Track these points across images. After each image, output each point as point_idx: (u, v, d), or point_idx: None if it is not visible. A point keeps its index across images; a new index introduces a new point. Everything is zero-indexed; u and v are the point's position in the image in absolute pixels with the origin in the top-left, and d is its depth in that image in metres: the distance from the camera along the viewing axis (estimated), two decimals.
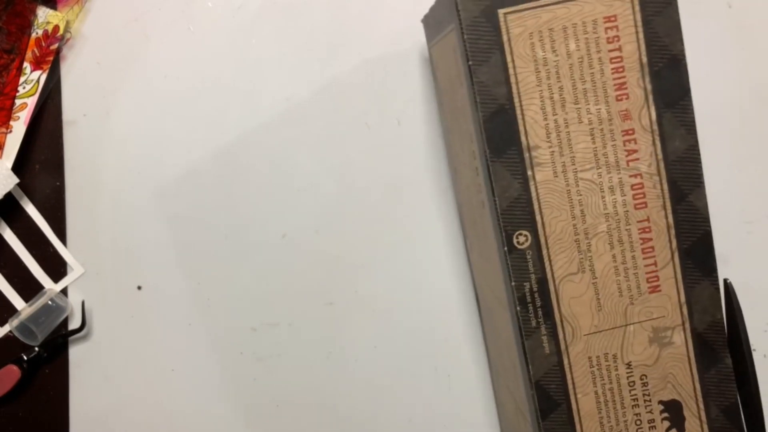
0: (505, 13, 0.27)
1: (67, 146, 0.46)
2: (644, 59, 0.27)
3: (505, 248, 0.28)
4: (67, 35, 0.46)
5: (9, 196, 0.45)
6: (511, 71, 0.28)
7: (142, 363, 0.46)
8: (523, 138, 0.28)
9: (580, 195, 0.28)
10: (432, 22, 0.37)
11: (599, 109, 0.28)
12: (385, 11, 0.47)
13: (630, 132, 0.28)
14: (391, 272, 0.46)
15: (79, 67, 0.46)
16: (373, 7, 0.47)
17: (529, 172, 0.28)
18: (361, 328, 0.46)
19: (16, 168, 0.45)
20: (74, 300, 0.46)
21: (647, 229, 0.28)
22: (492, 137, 0.28)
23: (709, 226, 0.29)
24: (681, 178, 0.28)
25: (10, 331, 0.45)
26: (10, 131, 0.44)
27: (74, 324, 0.46)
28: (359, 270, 0.46)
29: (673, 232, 0.29)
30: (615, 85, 0.27)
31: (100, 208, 0.46)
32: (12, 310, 0.46)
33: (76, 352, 0.46)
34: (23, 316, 0.44)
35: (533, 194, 0.28)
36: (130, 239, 0.46)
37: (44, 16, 0.45)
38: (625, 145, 0.28)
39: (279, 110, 0.47)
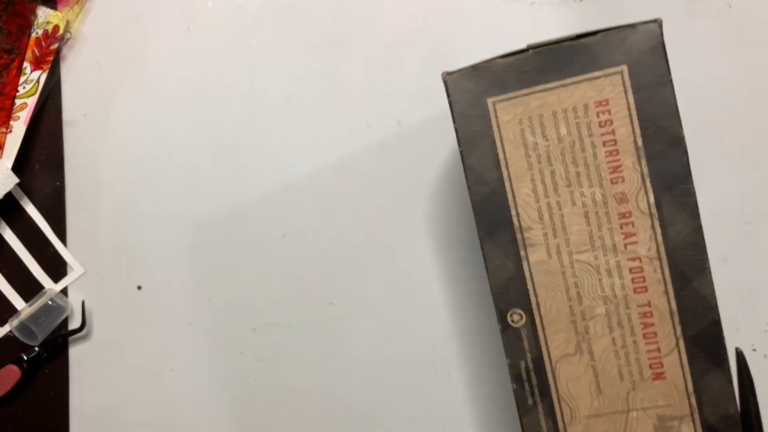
0: (494, 102, 0.28)
1: (67, 146, 0.46)
2: (639, 142, 0.27)
3: (499, 326, 0.29)
4: (67, 35, 0.46)
5: (9, 196, 0.45)
6: (501, 156, 0.28)
7: (142, 363, 0.46)
8: (515, 219, 0.28)
9: (576, 276, 0.28)
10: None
11: (593, 191, 0.27)
12: (385, 11, 0.47)
13: (627, 215, 0.27)
14: (391, 272, 0.46)
15: (79, 67, 0.46)
16: (373, 7, 0.47)
17: (522, 253, 0.28)
18: (361, 328, 0.46)
19: (16, 168, 0.45)
20: (74, 300, 0.46)
21: (648, 314, 0.28)
22: (483, 218, 0.28)
23: (717, 315, 0.28)
24: (684, 263, 0.27)
25: (10, 331, 0.45)
26: (10, 131, 0.44)
27: (74, 324, 0.46)
28: (359, 270, 0.46)
29: (677, 318, 0.28)
30: (609, 168, 0.27)
31: (100, 208, 0.46)
32: (12, 310, 0.46)
33: (76, 352, 0.46)
34: (23, 316, 0.44)
35: (527, 274, 0.28)
36: (130, 239, 0.46)
37: (44, 16, 0.45)
38: (622, 228, 0.28)
39: (279, 110, 0.47)
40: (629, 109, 0.27)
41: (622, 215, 0.27)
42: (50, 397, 0.46)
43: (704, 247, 0.27)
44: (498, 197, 0.28)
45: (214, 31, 0.46)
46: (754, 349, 0.47)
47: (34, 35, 0.45)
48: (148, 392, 0.46)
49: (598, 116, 0.27)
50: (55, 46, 0.45)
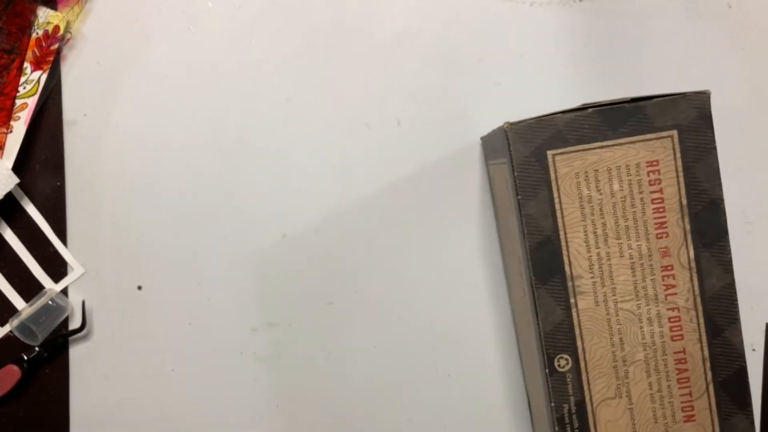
0: (554, 155, 0.29)
1: (68, 146, 0.46)
2: (684, 201, 0.29)
3: (547, 370, 0.30)
4: (68, 35, 0.46)
5: (9, 196, 0.45)
6: (557, 206, 0.30)
7: (142, 363, 0.46)
8: (567, 268, 0.30)
9: (620, 324, 0.30)
10: (489, 145, 0.40)
11: (640, 245, 0.29)
12: (384, 11, 0.47)
13: (669, 268, 0.29)
14: (391, 272, 0.46)
15: (79, 67, 0.46)
16: (373, 7, 0.47)
17: (572, 300, 0.30)
18: (361, 328, 0.46)
19: (17, 168, 0.45)
20: (74, 300, 0.46)
21: (683, 360, 0.30)
22: (538, 265, 0.30)
23: (745, 362, 0.30)
24: (717, 314, 0.29)
25: (11, 331, 0.45)
26: (11, 131, 0.44)
27: (74, 324, 0.46)
28: (359, 270, 0.46)
29: (708, 364, 0.30)
30: (655, 223, 0.29)
31: (100, 208, 0.46)
32: (12, 310, 0.46)
33: (76, 352, 0.46)
34: (23, 316, 0.44)
35: (575, 320, 0.30)
36: (130, 239, 0.46)
37: (44, 16, 0.45)
38: (663, 280, 0.29)
39: (279, 110, 0.47)
40: (677, 171, 0.29)
41: (665, 268, 0.29)
42: (50, 397, 0.46)
43: (736, 300, 0.29)
44: (552, 245, 0.30)
45: (214, 31, 0.46)
46: (753, 349, 0.47)
47: (34, 35, 0.45)
48: (148, 392, 0.46)
49: (648, 175, 0.29)
50: (55, 46, 0.45)
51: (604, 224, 0.29)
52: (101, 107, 0.46)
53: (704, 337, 0.30)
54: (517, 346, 0.45)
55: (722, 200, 0.29)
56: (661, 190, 0.29)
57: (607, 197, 0.29)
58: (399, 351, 0.46)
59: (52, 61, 0.45)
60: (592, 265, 0.30)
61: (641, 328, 0.30)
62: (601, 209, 0.29)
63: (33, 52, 0.45)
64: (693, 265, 0.29)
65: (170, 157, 0.46)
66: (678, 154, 0.29)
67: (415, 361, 0.46)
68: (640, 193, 0.29)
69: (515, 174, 0.30)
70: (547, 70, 0.47)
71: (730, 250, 0.29)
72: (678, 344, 0.30)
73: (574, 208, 0.30)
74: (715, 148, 0.29)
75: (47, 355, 0.45)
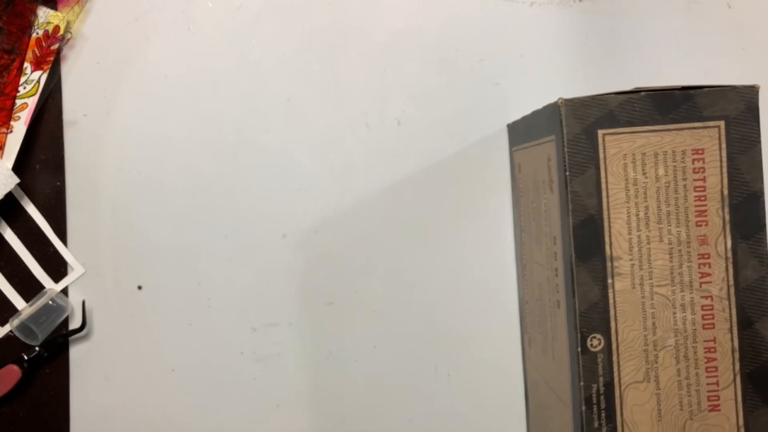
0: (604, 134, 0.30)
1: (68, 146, 0.46)
2: (725, 192, 0.29)
3: (579, 349, 0.30)
4: (68, 35, 0.46)
5: (9, 196, 0.45)
6: (603, 186, 0.30)
7: (142, 363, 0.46)
8: (607, 248, 0.30)
9: (654, 308, 0.30)
10: (522, 129, 0.40)
11: (680, 231, 0.30)
12: (384, 11, 0.47)
13: (706, 256, 0.30)
14: (391, 272, 0.46)
15: (79, 67, 0.46)
16: (373, 7, 0.47)
17: (609, 281, 0.30)
18: (361, 328, 0.46)
19: (17, 168, 0.45)
20: (74, 300, 0.46)
21: (713, 349, 0.30)
22: (580, 243, 0.30)
23: None
24: (749, 305, 0.30)
25: (11, 331, 0.45)
26: (11, 131, 0.44)
27: (74, 324, 0.46)
28: (359, 270, 0.46)
29: (737, 355, 0.30)
30: (696, 211, 0.30)
31: (100, 208, 0.46)
32: (12, 310, 0.46)
33: (76, 352, 0.46)
34: (24, 315, 0.44)
35: (611, 301, 0.30)
36: (130, 239, 0.46)
37: (44, 16, 0.45)
38: (699, 268, 0.30)
39: (279, 110, 0.47)
40: (721, 161, 0.29)
41: (702, 256, 0.30)
42: (51, 397, 0.46)
43: None
44: (595, 224, 0.30)
45: (214, 31, 0.46)
46: None
47: (34, 35, 0.45)
48: (148, 392, 0.46)
49: (693, 163, 0.29)
50: (55, 46, 0.45)
51: (647, 208, 0.30)
52: (101, 107, 0.46)
53: (735, 328, 0.30)
54: (521, 342, 0.45)
55: (763, 193, 0.29)
56: (704, 179, 0.30)
57: (652, 181, 0.30)
58: (399, 351, 0.46)
59: (52, 61, 0.45)
60: (632, 247, 0.30)
61: (674, 314, 0.30)
62: (645, 192, 0.30)
63: (33, 52, 0.45)
64: (729, 255, 0.30)
65: (170, 157, 0.46)
66: (723, 145, 0.29)
67: (415, 361, 0.46)
68: (684, 180, 0.30)
69: (566, 150, 0.30)
70: (547, 70, 0.47)
71: (767, 243, 0.29)
72: (709, 333, 0.30)
73: (619, 189, 0.30)
74: (759, 142, 0.29)
75: (47, 355, 0.45)
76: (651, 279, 0.30)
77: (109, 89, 0.46)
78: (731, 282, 0.30)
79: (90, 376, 0.46)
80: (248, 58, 0.46)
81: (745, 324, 0.30)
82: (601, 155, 0.30)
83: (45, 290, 0.46)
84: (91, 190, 0.46)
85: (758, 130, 0.29)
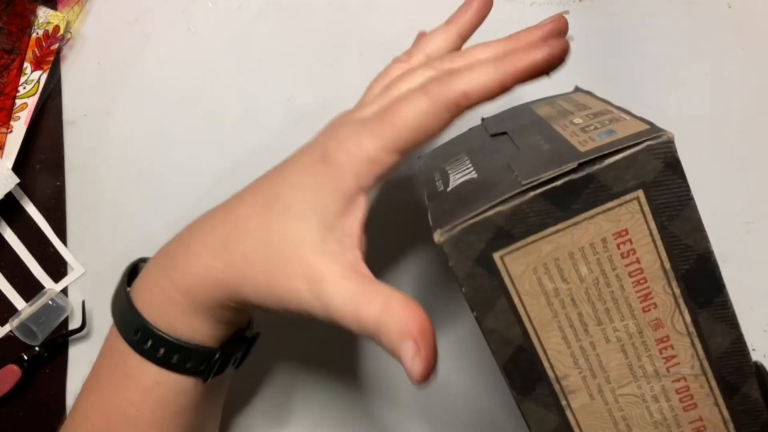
0: (501, 256, 0.25)
1: (68, 146, 0.46)
2: (667, 265, 0.25)
3: None
4: (68, 35, 0.46)
5: (9, 196, 0.45)
6: (521, 311, 0.26)
7: None
8: (549, 372, 0.27)
9: (623, 410, 0.27)
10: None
11: (626, 324, 0.26)
12: (385, 11, 0.47)
13: (664, 339, 0.26)
14: (391, 272, 0.46)
15: (79, 67, 0.46)
16: (373, 7, 0.47)
17: (564, 402, 0.27)
18: None
19: (17, 168, 0.45)
20: (74, 300, 0.46)
21: (702, 428, 0.27)
22: (515, 379, 0.27)
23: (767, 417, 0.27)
24: (730, 372, 0.27)
25: (11, 331, 0.45)
26: (11, 131, 0.44)
27: (74, 324, 0.46)
28: None
29: (731, 425, 0.27)
30: (639, 297, 0.26)
31: (100, 208, 0.46)
32: (12, 310, 0.46)
33: (76, 352, 0.46)
34: (23, 315, 0.44)
35: (572, 422, 0.27)
36: (130, 239, 0.46)
37: (44, 16, 0.45)
38: (661, 354, 0.26)
39: (279, 110, 0.47)
40: (651, 235, 0.25)
41: (660, 340, 0.26)
42: (51, 397, 0.46)
43: (748, 353, 0.26)
44: (526, 354, 0.26)
45: (214, 31, 0.46)
46: (753, 349, 0.47)
47: (34, 35, 0.45)
48: None
49: (618, 248, 0.25)
50: (55, 46, 0.45)
51: (579, 314, 0.26)
52: (101, 107, 0.46)
53: (720, 399, 0.27)
54: None
55: (711, 252, 0.25)
56: (637, 260, 0.25)
57: (576, 285, 0.26)
58: None
59: (52, 61, 0.45)
60: (577, 359, 0.26)
61: (647, 408, 0.27)
62: (572, 300, 0.26)
63: (33, 52, 0.45)
64: (692, 329, 0.26)
65: (170, 157, 0.46)
66: (649, 216, 0.25)
67: None
68: (614, 270, 0.25)
69: (463, 290, 0.26)
70: None
71: (730, 303, 0.26)
72: (693, 413, 0.27)
73: (540, 307, 0.26)
74: (691, 198, 0.25)
75: (47, 355, 0.45)
76: (609, 383, 0.27)
77: (109, 89, 0.46)
78: (702, 356, 0.26)
79: None
80: (248, 58, 0.46)
81: (731, 392, 0.27)
82: (507, 280, 0.26)
83: (45, 290, 0.46)
84: (91, 190, 0.46)
85: (686, 185, 0.25)
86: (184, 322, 0.31)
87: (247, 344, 0.36)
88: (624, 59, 0.47)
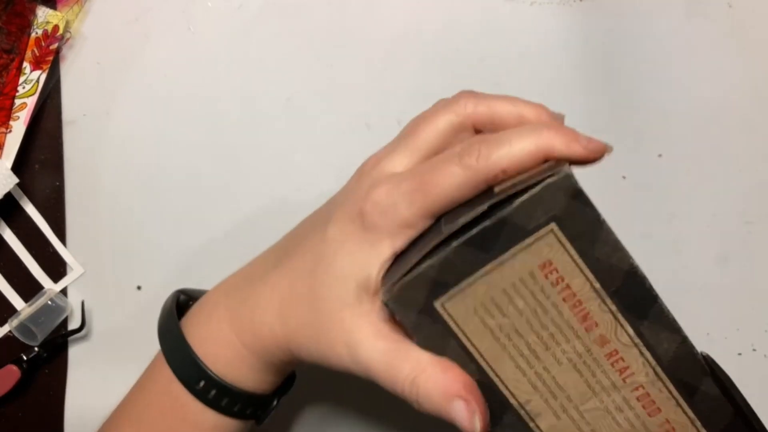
0: (443, 304, 0.27)
1: (67, 146, 0.46)
2: (597, 286, 0.27)
3: None
4: (67, 35, 0.46)
5: (8, 196, 0.45)
6: (471, 350, 0.28)
7: (142, 363, 0.46)
8: (511, 399, 0.28)
9: (590, 424, 0.29)
10: None
11: (573, 345, 0.28)
12: (384, 11, 0.47)
13: (614, 353, 0.28)
14: None
15: (78, 67, 0.46)
16: (373, 7, 0.47)
17: (532, 424, 0.29)
18: None
19: (16, 168, 0.44)
20: (74, 300, 0.46)
21: (671, 430, 0.28)
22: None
23: (731, 408, 0.28)
24: (685, 374, 0.28)
25: (10, 331, 0.45)
26: (10, 131, 0.44)
27: (74, 324, 0.46)
28: None
29: (698, 423, 0.28)
30: (578, 319, 0.27)
31: (100, 208, 0.46)
32: (12, 310, 0.46)
33: (75, 352, 0.46)
34: (23, 316, 0.44)
35: None
36: (130, 239, 0.46)
37: (44, 16, 0.45)
38: (613, 366, 0.28)
39: (279, 110, 0.46)
40: (575, 261, 0.26)
41: (609, 355, 0.28)
42: (50, 398, 0.46)
43: (696, 355, 0.27)
44: (486, 387, 0.28)
45: (214, 31, 0.46)
46: (754, 349, 0.47)
47: (33, 35, 0.45)
48: None
49: (547, 278, 0.27)
50: (54, 46, 0.45)
51: (527, 343, 0.27)
52: (101, 107, 0.46)
53: (681, 401, 0.28)
54: None
55: (635, 267, 0.26)
56: (568, 286, 0.27)
57: (517, 317, 0.27)
58: None
59: (51, 60, 0.45)
60: (535, 384, 0.28)
61: (614, 418, 0.28)
62: (516, 331, 0.27)
63: (32, 51, 0.45)
64: (637, 340, 0.27)
65: (170, 157, 0.46)
66: (568, 245, 0.26)
67: None
68: (548, 298, 0.27)
69: (416, 340, 0.28)
70: (547, 70, 0.47)
71: (667, 311, 0.27)
72: (659, 417, 0.28)
73: (489, 342, 0.28)
74: (603, 222, 0.26)
75: (46, 356, 0.45)
76: (572, 401, 0.28)
77: (109, 89, 0.46)
78: (653, 363, 0.27)
79: (89, 377, 0.46)
80: (248, 58, 0.46)
81: (690, 392, 0.28)
82: (452, 324, 0.27)
83: (44, 290, 0.46)
84: (91, 190, 0.46)
85: (594, 212, 0.26)
86: (250, 376, 0.33)
87: (291, 382, 0.38)
88: (624, 59, 0.47)
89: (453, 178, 0.26)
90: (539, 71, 0.47)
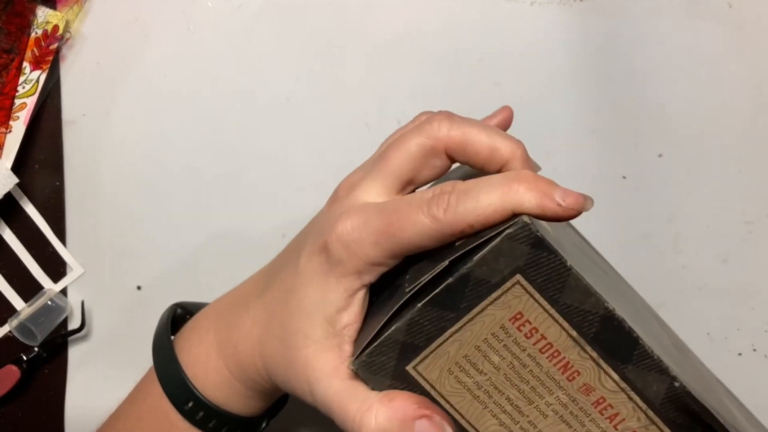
0: (414, 367, 0.26)
1: (67, 146, 0.46)
2: (573, 333, 0.25)
3: None
4: (67, 35, 0.46)
5: (8, 196, 0.45)
6: (451, 410, 0.27)
7: (142, 363, 0.46)
8: None
9: None
10: None
11: (557, 397, 0.26)
12: (384, 11, 0.47)
13: (600, 401, 0.26)
14: None
15: (78, 67, 0.46)
16: (373, 7, 0.47)
17: None
18: None
19: (16, 168, 0.44)
20: (74, 300, 0.46)
21: None
22: None
23: None
24: (677, 414, 0.26)
25: (10, 331, 0.45)
26: (10, 131, 0.44)
27: (74, 324, 0.46)
28: None
29: None
30: (559, 369, 0.26)
31: (99, 208, 0.46)
32: (12, 310, 0.46)
33: (75, 352, 0.46)
34: (23, 316, 0.44)
35: None
36: (130, 239, 0.46)
37: (44, 15, 0.45)
38: (602, 414, 0.26)
39: (279, 110, 0.46)
40: (546, 311, 0.25)
41: (597, 402, 0.26)
42: (50, 398, 0.46)
43: (690, 394, 0.26)
44: None
45: (214, 31, 0.46)
46: (755, 349, 0.47)
47: (33, 35, 0.45)
48: None
49: (520, 330, 0.25)
50: (54, 46, 0.45)
51: (508, 398, 0.26)
52: (100, 107, 0.46)
53: None
54: None
55: (612, 311, 0.25)
56: (543, 337, 0.25)
57: (494, 373, 0.26)
58: None
59: (51, 60, 0.45)
60: None
61: None
62: (495, 387, 0.26)
63: (32, 51, 0.45)
64: (623, 385, 0.26)
65: (170, 157, 0.46)
66: (537, 295, 0.25)
67: None
68: (524, 350, 0.26)
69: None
70: (547, 70, 0.47)
71: (651, 351, 0.25)
72: None
73: (467, 401, 0.27)
74: (570, 269, 0.24)
75: (46, 356, 0.45)
76: None
77: (109, 89, 0.46)
78: (644, 407, 0.26)
79: (89, 377, 0.46)
80: (248, 58, 0.46)
81: (690, 428, 0.26)
82: (427, 387, 0.26)
83: (44, 290, 0.46)
84: (91, 190, 0.46)
85: (556, 258, 0.24)
86: (238, 401, 0.34)
87: (282, 403, 0.39)
88: (624, 59, 0.47)
89: (419, 227, 0.26)
90: (539, 71, 0.47)
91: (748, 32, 0.47)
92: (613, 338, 0.25)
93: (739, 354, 0.47)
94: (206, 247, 0.46)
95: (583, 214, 0.25)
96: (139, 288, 0.46)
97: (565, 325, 0.25)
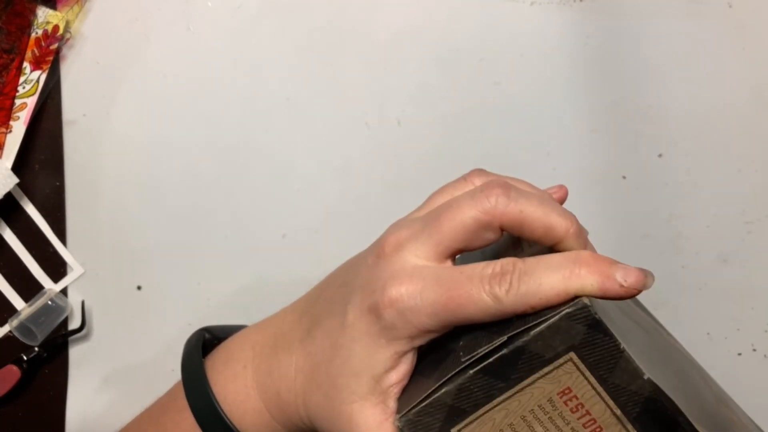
0: (459, 430, 0.27)
1: (67, 146, 0.46)
2: (617, 412, 0.26)
3: None
4: (67, 35, 0.46)
5: (9, 196, 0.45)
6: None
7: (141, 363, 0.46)
8: None
9: None
10: None
11: None
12: (384, 11, 0.47)
13: None
14: None
15: (78, 67, 0.46)
16: (373, 7, 0.47)
17: None
18: None
19: (16, 168, 0.44)
20: (74, 300, 0.46)
21: None
22: None
23: None
24: None
25: (10, 331, 0.45)
26: (10, 131, 0.44)
27: (74, 324, 0.46)
28: None
29: None
30: None
31: (100, 208, 0.46)
32: (12, 310, 0.46)
33: (75, 352, 0.46)
34: (23, 316, 0.44)
35: None
36: (130, 239, 0.46)
37: (44, 15, 0.45)
38: None
39: (279, 110, 0.47)
40: (594, 388, 0.26)
41: None
42: (50, 398, 0.46)
43: None
44: None
45: (214, 31, 0.46)
46: (754, 349, 0.47)
47: (33, 35, 0.45)
48: (147, 393, 0.46)
49: (566, 404, 0.26)
50: (54, 46, 0.45)
51: None
52: (101, 107, 0.46)
53: None
54: None
55: (658, 392, 0.25)
56: (587, 412, 0.26)
57: None
58: None
59: (51, 60, 0.45)
60: None
61: None
62: None
63: (32, 51, 0.45)
64: None
65: (170, 157, 0.46)
66: (587, 373, 0.26)
67: None
68: (568, 423, 0.27)
69: None
70: (547, 70, 0.47)
71: (693, 426, 0.26)
72: None
73: None
74: (623, 351, 0.25)
75: (47, 356, 0.45)
76: None
77: (109, 89, 0.46)
78: None
79: (89, 377, 0.46)
80: (248, 58, 0.46)
81: None
82: None
83: (44, 290, 0.46)
84: (91, 190, 0.46)
85: (613, 341, 0.25)
86: None
87: None
88: (624, 59, 0.47)
89: (481, 305, 0.26)
90: (539, 71, 0.47)
91: (748, 32, 0.47)
92: (656, 419, 0.26)
93: (739, 354, 0.47)
94: (206, 247, 0.46)
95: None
96: (139, 288, 0.46)
97: (611, 403, 0.26)
